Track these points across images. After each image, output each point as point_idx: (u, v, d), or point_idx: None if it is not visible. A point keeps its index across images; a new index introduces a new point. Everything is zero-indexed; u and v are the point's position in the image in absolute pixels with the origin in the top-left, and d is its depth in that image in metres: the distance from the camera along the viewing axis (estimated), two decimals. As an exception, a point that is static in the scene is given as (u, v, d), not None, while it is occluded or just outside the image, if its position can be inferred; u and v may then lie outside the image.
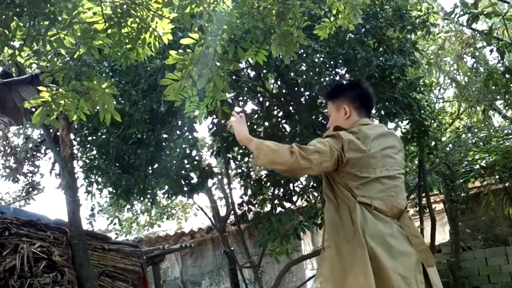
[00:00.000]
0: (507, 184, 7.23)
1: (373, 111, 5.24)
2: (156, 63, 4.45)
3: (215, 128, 5.70)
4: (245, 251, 6.20)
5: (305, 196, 5.65)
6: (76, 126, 5.36)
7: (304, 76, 4.71)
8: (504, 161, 6.26)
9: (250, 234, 8.50)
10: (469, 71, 8.49)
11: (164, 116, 5.07)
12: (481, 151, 6.73)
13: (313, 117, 5.18)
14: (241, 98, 5.55)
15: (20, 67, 4.65)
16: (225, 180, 6.91)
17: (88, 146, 5.59)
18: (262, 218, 5.41)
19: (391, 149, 2.19)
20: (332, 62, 4.94)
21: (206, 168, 5.82)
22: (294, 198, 5.72)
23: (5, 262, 4.18)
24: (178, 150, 5.49)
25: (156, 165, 5.42)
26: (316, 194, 5.53)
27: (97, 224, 9.36)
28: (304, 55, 4.64)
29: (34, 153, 7.72)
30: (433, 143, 6.29)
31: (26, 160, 7.83)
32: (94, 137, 5.38)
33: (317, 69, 4.59)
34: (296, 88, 5.36)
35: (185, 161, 5.57)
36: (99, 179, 5.52)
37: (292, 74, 5.12)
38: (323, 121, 5.08)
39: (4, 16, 2.66)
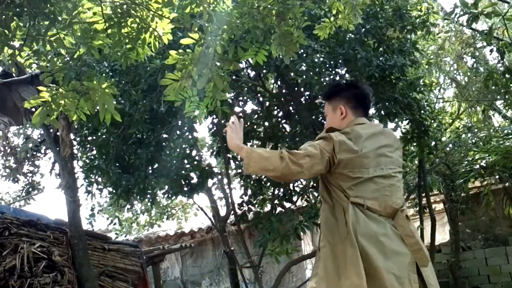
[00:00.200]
0: (507, 184, 7.22)
1: (373, 111, 5.31)
2: (156, 63, 4.45)
3: (215, 128, 5.70)
4: (245, 251, 6.20)
5: (305, 196, 5.65)
6: (76, 126, 5.36)
7: (304, 76, 4.71)
8: (504, 161, 6.26)
9: (250, 234, 8.49)
10: (469, 71, 8.48)
11: (164, 116, 5.07)
12: (481, 151, 6.72)
13: (313, 117, 5.18)
14: (241, 98, 5.55)
15: (20, 67, 4.65)
16: (225, 180, 6.91)
17: (88, 146, 5.59)
18: (262, 218, 5.41)
19: (386, 148, 2.18)
20: (332, 62, 4.94)
21: (206, 168, 5.82)
22: (294, 198, 5.72)
23: (5, 262, 4.18)
24: (178, 150, 5.49)
25: (156, 165, 5.42)
26: (316, 194, 5.53)
27: (97, 224, 9.35)
28: (304, 55, 4.64)
29: (34, 153, 7.72)
30: (433, 143, 6.29)
31: (26, 160, 7.83)
32: (94, 137, 5.38)
33: (317, 69, 4.59)
34: (296, 88, 5.36)
35: (185, 161, 5.57)
36: (99, 179, 5.52)
37: (292, 74, 5.12)
38: (323, 121, 5.08)
39: (4, 16, 2.66)
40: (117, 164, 5.32)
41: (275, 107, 5.69)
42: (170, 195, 5.90)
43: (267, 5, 2.95)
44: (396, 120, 5.60)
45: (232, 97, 5.41)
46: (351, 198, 2.05)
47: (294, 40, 2.96)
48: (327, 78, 4.74)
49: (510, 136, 6.70)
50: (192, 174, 5.67)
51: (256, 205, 5.86)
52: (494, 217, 8.05)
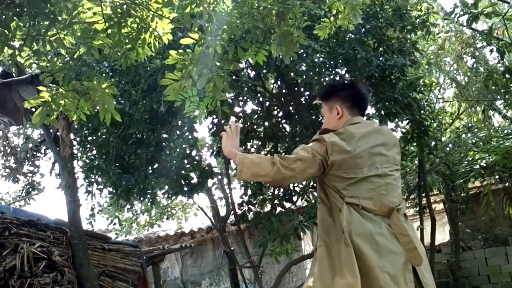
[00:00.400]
0: (507, 184, 7.22)
1: (373, 111, 5.31)
2: (156, 63, 4.45)
3: (215, 128, 5.70)
4: (245, 251, 6.20)
5: (305, 196, 5.65)
6: (76, 126, 5.36)
7: (304, 76, 4.71)
8: (504, 161, 6.26)
9: (250, 234, 8.50)
10: (469, 71, 8.49)
11: (164, 116, 5.07)
12: (481, 151, 6.72)
13: (313, 117, 5.18)
14: (241, 98, 5.55)
15: (20, 67, 4.65)
16: (225, 180, 6.91)
17: (88, 146, 5.59)
18: (262, 218, 5.41)
19: (382, 146, 2.17)
20: (332, 62, 4.94)
21: (206, 168, 5.82)
22: (294, 198, 5.72)
23: (5, 262, 4.18)
24: (178, 150, 5.49)
25: (156, 165, 5.42)
26: (316, 194, 5.53)
27: (97, 224, 9.34)
28: (304, 55, 4.64)
29: (34, 153, 7.72)
30: (433, 143, 6.29)
31: (26, 160, 7.83)
32: (94, 137, 5.38)
33: (317, 69, 4.59)
34: (296, 88, 5.36)
35: (185, 161, 5.57)
36: (99, 179, 5.52)
37: (292, 74, 5.12)
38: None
39: (4, 16, 2.66)
40: (117, 164, 5.32)
41: (275, 107, 5.69)
42: (170, 195, 5.90)
43: (267, 5, 2.95)
44: (396, 120, 5.60)
45: (232, 97, 5.41)
46: (346, 198, 2.05)
47: (294, 40, 2.96)
48: (327, 78, 4.74)
49: (510, 136, 6.70)
50: (192, 174, 5.66)
51: (256, 205, 5.86)
52: (494, 217, 8.05)
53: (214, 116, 5.33)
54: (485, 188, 7.17)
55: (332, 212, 2.10)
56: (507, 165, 6.33)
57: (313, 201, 5.53)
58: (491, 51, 5.86)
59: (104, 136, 5.26)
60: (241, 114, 5.71)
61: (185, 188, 5.64)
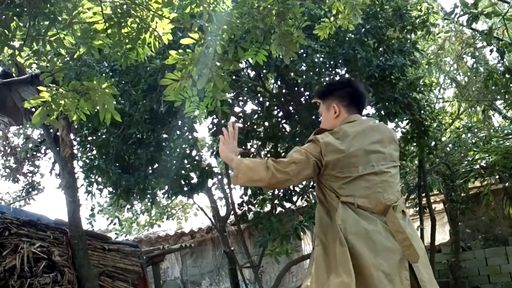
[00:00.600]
0: (507, 184, 7.22)
1: (373, 111, 5.31)
2: (156, 63, 4.45)
3: (215, 128, 5.69)
4: (245, 251, 6.20)
5: (305, 196, 5.65)
6: (76, 126, 5.36)
7: (304, 76, 4.71)
8: (504, 161, 6.26)
9: (250, 234, 8.50)
10: (469, 71, 8.49)
11: (164, 116, 5.07)
12: (481, 151, 6.73)
13: (313, 117, 5.18)
14: (241, 98, 5.55)
15: (20, 67, 4.65)
16: (225, 180, 6.91)
17: (88, 146, 5.59)
18: (262, 218, 5.41)
19: (378, 144, 2.16)
20: (332, 62, 4.94)
21: (206, 168, 5.81)
22: (294, 198, 5.72)
23: (5, 262, 4.18)
24: (178, 150, 5.49)
25: (156, 165, 5.42)
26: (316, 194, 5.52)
27: (97, 224, 9.35)
28: (304, 55, 4.64)
29: (34, 153, 7.72)
30: (433, 143, 6.29)
31: (26, 160, 7.83)
32: (94, 137, 5.38)
33: (317, 69, 4.59)
34: (296, 88, 5.36)
35: (185, 161, 5.57)
36: (99, 179, 5.51)
37: (292, 74, 5.12)
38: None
39: (4, 16, 2.66)
40: (117, 164, 5.31)
41: (275, 107, 5.69)
42: (170, 195, 5.90)
43: (267, 5, 2.95)
44: (396, 120, 5.60)
45: (232, 97, 5.41)
46: (341, 197, 2.06)
47: (294, 40, 2.96)
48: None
49: (510, 136, 6.70)
50: (192, 174, 5.66)
51: (256, 205, 5.86)
52: (494, 217, 8.05)
53: (214, 116, 5.33)
54: (485, 188, 7.17)
55: (330, 211, 2.10)
56: (507, 165, 6.33)
57: (313, 201, 5.53)
58: (491, 51, 5.87)
59: (104, 136, 5.26)
60: (241, 114, 5.71)
61: (185, 188, 5.64)
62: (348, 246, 1.94)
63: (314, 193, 5.52)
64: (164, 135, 5.42)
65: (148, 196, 5.72)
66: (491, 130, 7.61)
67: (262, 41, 3.06)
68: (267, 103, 5.72)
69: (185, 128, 5.44)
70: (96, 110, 3.02)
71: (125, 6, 2.82)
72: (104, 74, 4.58)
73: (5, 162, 7.90)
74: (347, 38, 4.81)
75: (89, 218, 6.57)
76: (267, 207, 5.93)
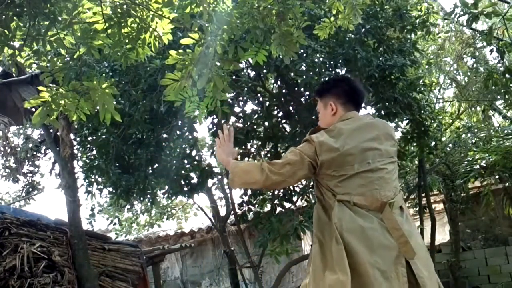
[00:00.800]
0: (507, 184, 7.22)
1: (373, 111, 5.31)
2: (156, 63, 4.45)
3: (215, 128, 5.69)
4: (245, 251, 6.21)
5: (305, 196, 5.64)
6: (76, 126, 5.36)
7: (304, 76, 4.71)
8: (504, 161, 6.26)
9: (250, 234, 8.50)
10: (469, 71, 8.49)
11: (164, 116, 5.07)
12: (481, 151, 6.73)
13: (313, 117, 5.17)
14: (241, 98, 5.55)
15: (20, 67, 4.65)
16: (225, 180, 6.91)
17: (88, 146, 5.59)
18: (262, 218, 5.41)
19: (374, 141, 2.15)
20: (332, 62, 4.94)
21: (206, 168, 5.81)
22: (294, 198, 5.72)
23: (5, 262, 4.18)
24: (178, 150, 5.49)
25: (156, 165, 5.42)
26: (316, 194, 5.52)
27: (97, 224, 9.35)
28: (304, 55, 4.64)
29: (34, 153, 7.72)
30: (433, 143, 6.29)
31: (26, 160, 7.83)
32: (94, 137, 5.38)
33: (317, 69, 4.59)
34: (296, 88, 5.36)
35: (185, 161, 5.57)
36: (99, 179, 5.51)
37: (292, 74, 5.12)
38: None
39: (4, 16, 2.66)
40: (117, 164, 5.31)
41: (275, 107, 5.69)
42: (170, 195, 5.90)
43: (267, 5, 2.95)
44: (396, 120, 5.60)
45: (232, 97, 5.41)
46: (338, 196, 2.06)
47: (294, 40, 2.96)
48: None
49: (510, 136, 6.70)
50: (192, 174, 5.66)
51: (256, 205, 5.85)
52: (494, 217, 8.05)
53: (214, 116, 5.32)
54: (485, 188, 7.16)
55: (327, 210, 2.11)
56: (507, 165, 6.33)
57: (313, 201, 5.53)
58: (491, 51, 5.87)
59: (104, 136, 5.26)
60: (241, 114, 5.71)
61: (185, 188, 5.64)
62: (344, 244, 1.94)
63: (314, 193, 5.53)
64: (164, 135, 5.42)
65: (148, 196, 5.72)
66: (491, 130, 7.61)
67: (262, 41, 3.06)
68: (267, 103, 5.72)
69: (185, 128, 5.44)
70: (96, 110, 3.02)
71: (125, 6, 2.82)
72: (104, 74, 4.58)
73: (5, 162, 7.90)
74: (347, 38, 4.81)
75: (89, 218, 6.57)
76: (267, 207, 5.93)
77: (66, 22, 2.78)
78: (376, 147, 2.14)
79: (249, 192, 5.77)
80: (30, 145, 7.57)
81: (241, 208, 5.91)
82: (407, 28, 5.21)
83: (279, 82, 5.64)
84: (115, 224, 7.99)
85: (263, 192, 5.88)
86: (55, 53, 3.87)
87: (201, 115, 3.50)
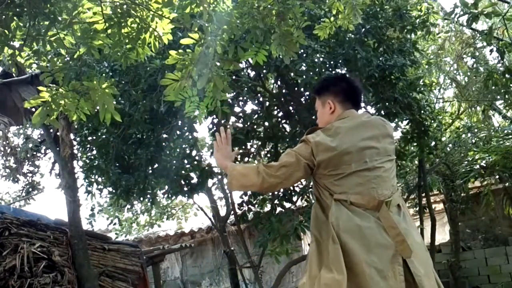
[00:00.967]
0: (507, 184, 7.22)
1: (373, 111, 5.31)
2: (156, 63, 4.45)
3: (215, 128, 5.69)
4: (245, 251, 6.21)
5: (305, 196, 5.65)
6: (76, 126, 5.36)
7: (304, 76, 4.71)
8: (504, 161, 6.26)
9: (250, 234, 8.50)
10: (469, 71, 8.48)
11: (164, 116, 5.07)
12: (481, 151, 6.73)
13: (313, 117, 5.18)
14: (241, 98, 5.55)
15: (20, 67, 4.65)
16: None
17: (88, 146, 5.59)
18: (262, 218, 5.41)
19: (371, 139, 2.14)
20: (332, 62, 4.94)
21: (206, 168, 5.81)
22: (294, 198, 5.72)
23: (5, 262, 4.18)
24: (178, 150, 5.49)
25: (156, 165, 5.42)
26: (316, 194, 5.52)
27: (97, 224, 9.37)
28: (304, 55, 4.64)
29: (34, 153, 7.72)
30: (433, 143, 6.29)
31: (26, 160, 7.83)
32: (94, 137, 5.38)
33: (317, 69, 4.59)
34: (296, 88, 5.36)
35: (185, 161, 5.57)
36: (99, 179, 5.51)
37: (292, 74, 5.12)
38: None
39: (4, 16, 2.66)
40: (117, 164, 5.31)
41: (275, 107, 5.69)
42: (170, 195, 5.90)
43: (267, 5, 2.95)
44: (396, 120, 5.60)
45: (232, 97, 5.41)
46: (335, 195, 2.06)
47: (294, 40, 2.96)
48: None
49: (510, 136, 6.70)
50: (192, 174, 5.66)
51: (256, 205, 5.86)
52: (494, 217, 8.05)
53: (214, 116, 5.32)
54: (485, 188, 7.16)
55: (325, 209, 2.11)
56: (507, 165, 6.33)
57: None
58: (491, 51, 5.86)
59: (104, 136, 5.26)
60: (241, 114, 5.71)
61: (185, 188, 5.64)
62: (340, 244, 1.94)
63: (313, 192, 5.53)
64: (164, 135, 5.42)
65: (148, 196, 5.72)
66: (491, 130, 7.61)
67: (262, 41, 3.06)
68: (267, 103, 5.72)
69: (185, 128, 5.44)
70: (96, 110, 3.02)
71: (125, 6, 2.82)
72: (104, 74, 4.58)
73: (5, 162, 7.90)
74: (347, 38, 4.81)
75: (89, 218, 6.57)
76: (267, 207, 5.93)
77: (66, 22, 2.78)
78: (373, 145, 2.13)
79: (249, 192, 5.77)
80: (30, 145, 7.57)
81: (241, 208, 5.91)
82: (407, 28, 5.21)
83: (279, 82, 5.64)
84: (115, 224, 7.99)
85: (263, 192, 5.88)
86: (55, 53, 3.87)
87: (201, 115, 3.51)
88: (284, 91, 5.55)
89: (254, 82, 5.52)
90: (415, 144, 5.90)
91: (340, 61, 4.92)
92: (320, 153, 2.07)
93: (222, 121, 5.04)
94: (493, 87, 6.21)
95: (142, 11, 2.87)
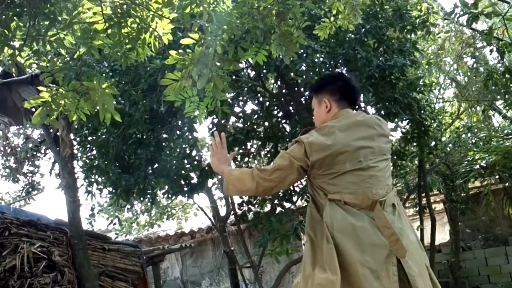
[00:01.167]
0: (507, 184, 7.22)
1: (373, 111, 5.31)
2: (156, 63, 4.45)
3: (215, 128, 5.70)
4: (245, 251, 6.21)
5: (305, 196, 5.64)
6: (76, 126, 5.37)
7: (304, 76, 4.71)
8: (504, 161, 6.26)
9: (250, 234, 8.50)
10: (469, 71, 8.48)
11: (164, 116, 5.07)
12: (481, 151, 6.73)
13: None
14: (241, 98, 5.55)
15: (20, 67, 4.65)
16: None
17: (88, 146, 5.59)
18: (262, 218, 5.42)
19: (366, 139, 2.13)
20: (332, 62, 4.94)
21: (206, 168, 5.81)
22: (294, 198, 5.72)
23: (5, 262, 4.18)
24: (178, 150, 5.49)
25: (156, 165, 5.42)
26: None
27: (97, 224, 9.38)
28: (304, 55, 4.64)
29: (34, 153, 7.73)
30: (433, 143, 6.30)
31: (26, 160, 7.84)
32: (94, 137, 5.38)
33: (317, 69, 4.59)
34: (296, 88, 5.36)
35: (185, 161, 5.57)
36: (99, 179, 5.52)
37: (292, 74, 5.12)
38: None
39: (4, 16, 2.66)
40: (117, 164, 5.32)
41: (275, 107, 5.69)
42: (170, 195, 5.90)
43: (267, 5, 2.95)
44: (396, 120, 5.60)
45: (232, 97, 5.41)
46: (329, 195, 2.05)
47: (294, 40, 2.96)
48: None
49: (510, 136, 6.70)
50: (192, 174, 5.66)
51: (256, 205, 5.86)
52: (494, 217, 8.05)
53: (214, 116, 5.32)
54: (485, 188, 7.16)
55: (320, 209, 2.10)
56: (507, 165, 6.33)
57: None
58: (491, 51, 5.86)
59: (104, 136, 5.26)
60: (241, 114, 5.71)
61: (185, 188, 5.65)
62: (334, 243, 1.93)
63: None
64: (164, 135, 5.42)
65: (148, 196, 5.72)
66: (491, 130, 7.61)
67: (262, 41, 3.06)
68: (267, 103, 5.73)
69: (185, 128, 5.44)
70: (96, 110, 3.02)
71: (125, 6, 2.82)
72: (104, 74, 4.58)
73: (5, 162, 7.90)
74: (347, 38, 4.81)
75: (89, 218, 6.58)
76: (267, 207, 5.93)
77: (66, 22, 2.78)
78: (368, 145, 2.11)
79: (249, 192, 5.76)
80: (30, 145, 7.57)
81: (241, 208, 5.91)
82: (407, 28, 5.21)
83: (279, 82, 5.64)
84: (115, 224, 8.00)
85: (259, 196, 5.89)
86: (55, 53, 3.87)
87: (201, 115, 3.51)
88: (284, 91, 5.55)
89: (254, 82, 5.52)
90: (415, 144, 5.90)
91: (340, 61, 4.92)
92: (314, 153, 2.05)
93: (222, 121, 5.04)
94: (493, 87, 6.21)
95: (142, 11, 2.87)
